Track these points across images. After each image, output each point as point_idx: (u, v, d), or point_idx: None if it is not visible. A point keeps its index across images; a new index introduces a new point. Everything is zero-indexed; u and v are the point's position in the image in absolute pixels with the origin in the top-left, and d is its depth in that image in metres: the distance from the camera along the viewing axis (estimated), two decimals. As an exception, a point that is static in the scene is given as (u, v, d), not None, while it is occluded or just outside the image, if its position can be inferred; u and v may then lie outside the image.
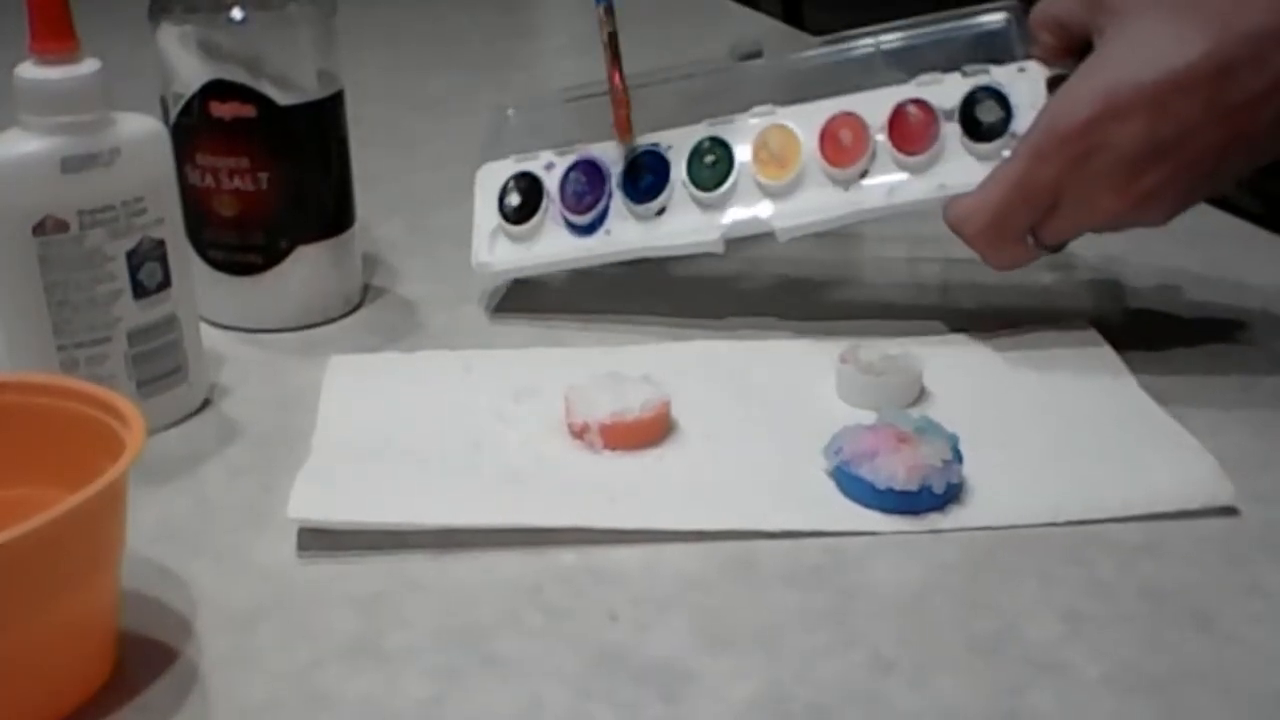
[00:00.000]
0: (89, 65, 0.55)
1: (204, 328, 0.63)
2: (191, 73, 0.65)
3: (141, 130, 0.57)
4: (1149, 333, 0.66)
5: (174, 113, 0.66)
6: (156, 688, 0.44)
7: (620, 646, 0.46)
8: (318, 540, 0.51)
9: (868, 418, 0.56)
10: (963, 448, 0.53)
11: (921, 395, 0.60)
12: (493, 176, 0.72)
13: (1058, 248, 0.63)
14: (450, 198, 0.86)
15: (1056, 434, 0.57)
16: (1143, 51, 0.57)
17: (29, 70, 0.54)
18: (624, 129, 0.68)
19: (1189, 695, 0.44)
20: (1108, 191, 0.59)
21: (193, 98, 0.65)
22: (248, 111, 0.65)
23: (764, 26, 1.32)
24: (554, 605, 0.48)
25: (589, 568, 0.50)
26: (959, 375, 0.62)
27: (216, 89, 0.65)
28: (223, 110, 0.65)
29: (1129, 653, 0.45)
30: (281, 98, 0.65)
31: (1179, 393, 0.60)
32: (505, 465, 0.56)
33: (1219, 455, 0.54)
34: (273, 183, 0.66)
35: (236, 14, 0.64)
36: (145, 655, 0.46)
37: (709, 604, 0.48)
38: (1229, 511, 0.52)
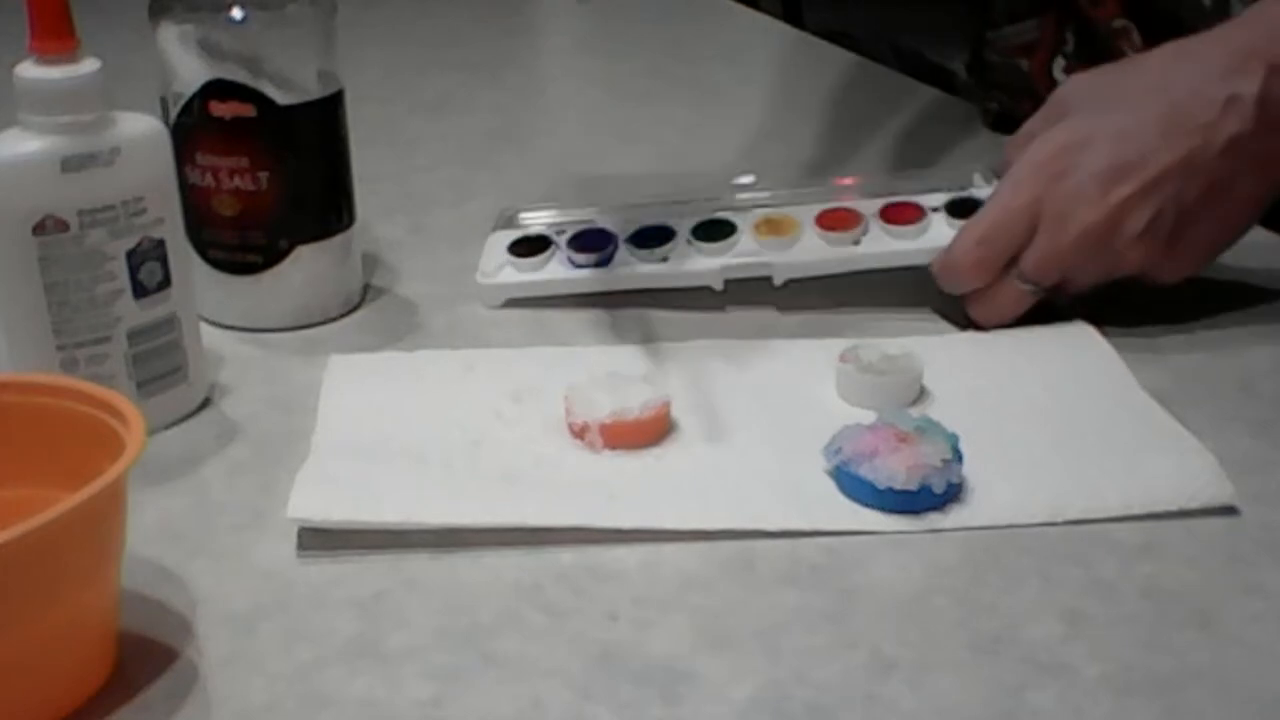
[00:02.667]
0: (89, 65, 0.55)
1: (204, 328, 0.63)
2: (191, 72, 0.65)
3: (141, 130, 0.57)
4: (1149, 332, 0.66)
5: (174, 112, 0.66)
6: (156, 688, 0.44)
7: (620, 646, 0.46)
8: (318, 540, 0.51)
9: (868, 417, 0.56)
10: (963, 447, 0.53)
11: (921, 395, 0.61)
12: (502, 238, 0.74)
13: (1045, 287, 0.65)
14: (450, 198, 0.86)
15: (1056, 433, 0.57)
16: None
17: (29, 70, 0.54)
18: None
19: (1189, 695, 0.44)
20: (1083, 204, 0.63)
21: (193, 97, 0.65)
22: (248, 111, 0.65)
23: (764, 25, 1.32)
24: (554, 605, 0.48)
25: (589, 567, 0.50)
26: (959, 375, 0.62)
27: (216, 89, 0.65)
28: (223, 110, 0.65)
29: (1129, 653, 0.45)
30: (281, 97, 0.65)
31: (1179, 392, 0.60)
32: (505, 465, 0.56)
33: (1219, 455, 0.54)
34: (273, 182, 0.66)
35: (236, 14, 0.64)
36: (145, 655, 0.46)
37: (709, 604, 0.48)
38: (1229, 511, 0.52)
